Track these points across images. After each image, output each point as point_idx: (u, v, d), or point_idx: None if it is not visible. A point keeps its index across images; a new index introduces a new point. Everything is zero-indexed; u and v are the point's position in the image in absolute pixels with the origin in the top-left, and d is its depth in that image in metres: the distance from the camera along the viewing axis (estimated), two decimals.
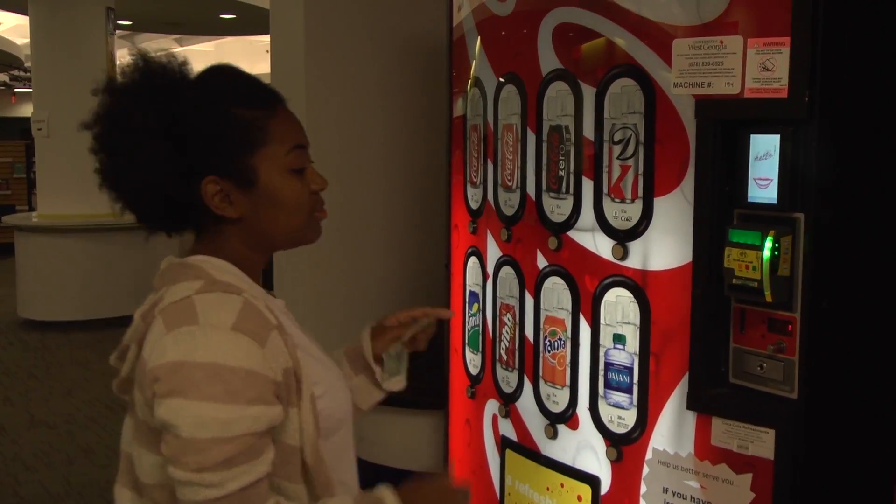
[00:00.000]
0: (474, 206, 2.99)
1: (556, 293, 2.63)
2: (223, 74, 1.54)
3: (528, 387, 2.79)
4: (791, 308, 2.12)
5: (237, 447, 1.36)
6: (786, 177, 2.10)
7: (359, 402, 1.87)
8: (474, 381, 3.06)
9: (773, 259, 2.08)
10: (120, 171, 1.49)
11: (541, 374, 2.71)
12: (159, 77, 1.50)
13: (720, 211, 2.20)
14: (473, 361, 3.06)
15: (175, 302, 1.43)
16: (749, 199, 2.15)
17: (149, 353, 1.42)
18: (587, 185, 2.50)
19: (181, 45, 17.32)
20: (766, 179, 2.13)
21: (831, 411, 2.19)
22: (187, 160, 1.49)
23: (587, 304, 2.52)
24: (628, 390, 2.44)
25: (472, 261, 3.03)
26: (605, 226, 2.46)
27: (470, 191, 3.02)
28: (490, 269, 2.93)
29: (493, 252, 2.90)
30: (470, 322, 3.09)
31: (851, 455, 2.23)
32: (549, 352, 2.67)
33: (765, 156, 2.12)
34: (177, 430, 1.36)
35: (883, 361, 2.26)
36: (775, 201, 2.11)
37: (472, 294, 3.06)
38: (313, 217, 1.56)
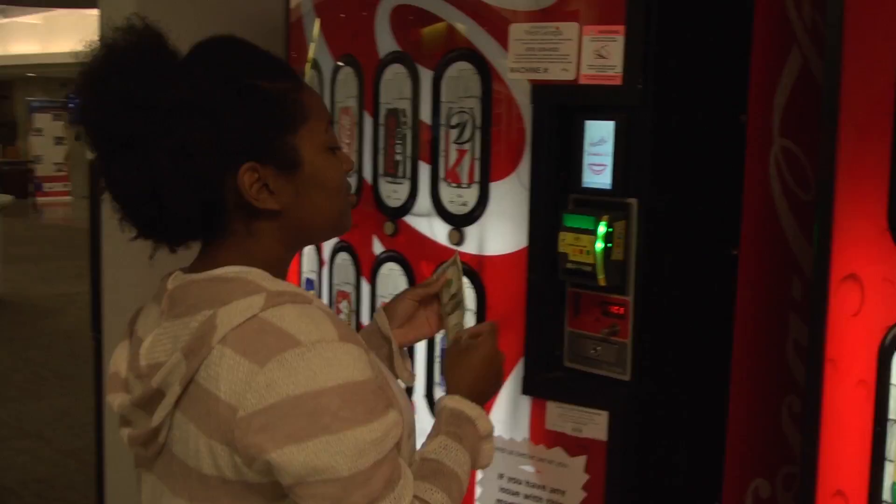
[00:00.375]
0: None
1: (393, 279, 2.60)
2: (230, 45, 1.35)
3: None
4: (624, 292, 2.14)
5: (390, 463, 1.26)
6: (620, 163, 2.11)
7: None
8: None
9: (607, 243, 2.10)
10: (140, 168, 1.27)
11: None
12: (156, 52, 1.30)
13: (555, 196, 2.21)
14: None
15: (241, 326, 1.24)
16: (584, 185, 2.17)
17: (236, 394, 1.22)
18: (424, 170, 2.48)
19: (5, 17, 16.17)
20: (601, 165, 2.15)
21: (663, 392, 2.22)
22: (219, 146, 1.29)
23: None
24: None
25: (308, 248, 2.96)
26: (441, 211, 2.44)
27: None
28: (326, 256, 2.87)
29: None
30: None
31: (683, 434, 2.27)
32: None
33: (599, 142, 2.14)
34: (334, 472, 1.21)
35: (712, 344, 2.32)
36: (609, 187, 2.13)
37: (308, 281, 2.99)
38: (349, 201, 1.45)
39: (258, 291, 1.28)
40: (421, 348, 2.55)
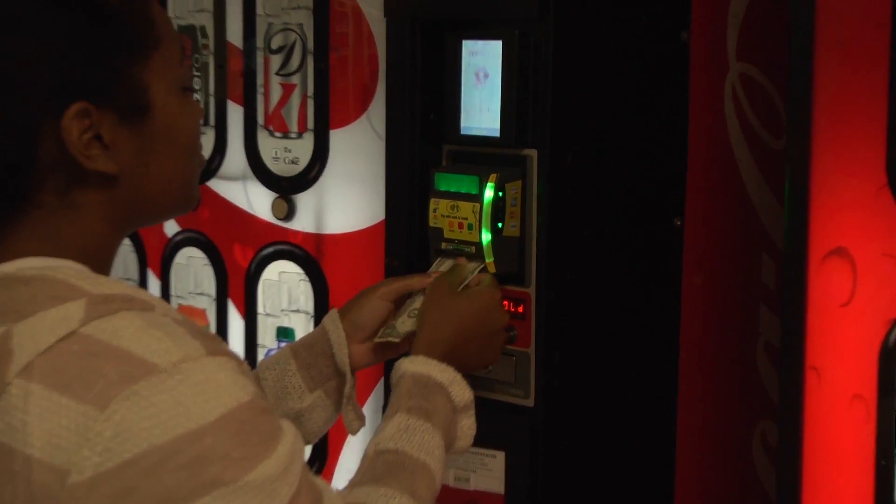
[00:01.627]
0: None
1: (194, 271, 2.57)
2: None
3: None
4: (523, 281, 2.11)
5: (306, 488, 1.29)
6: (511, 99, 2.07)
7: (308, 430, 1.81)
8: None
9: (497, 213, 2.06)
10: None
11: None
12: None
13: (423, 148, 2.19)
14: None
15: (53, 349, 1.19)
16: (463, 132, 2.13)
17: (63, 451, 1.16)
18: (234, 114, 2.46)
19: None
20: (486, 105, 2.12)
21: (581, 423, 2.20)
22: (34, 77, 1.27)
23: (238, 286, 2.48)
24: None
25: None
26: (261, 171, 2.42)
27: None
28: None
29: None
30: None
31: (609, 481, 2.28)
32: None
33: (482, 71, 2.11)
34: None
35: (649, 354, 2.33)
36: (497, 134, 2.09)
37: None
38: (201, 165, 1.47)
39: (74, 296, 1.24)
40: None
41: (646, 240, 2.29)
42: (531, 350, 2.12)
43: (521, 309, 2.12)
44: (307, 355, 1.81)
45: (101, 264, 1.36)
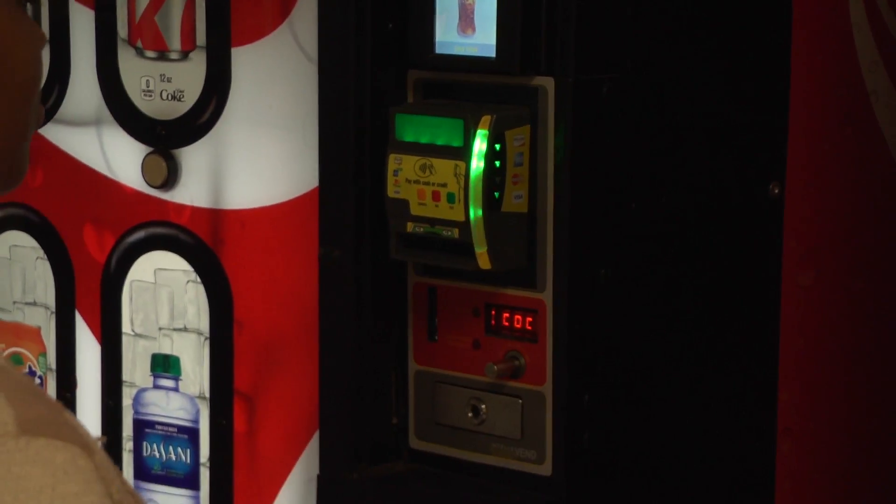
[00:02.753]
0: None
1: (21, 269, 2.56)
2: None
3: None
4: (533, 283, 2.13)
5: None
6: (514, 4, 2.06)
7: None
8: None
9: (492, 177, 2.06)
10: None
11: None
12: None
13: (378, 75, 2.19)
14: None
15: None
16: (438, 50, 2.14)
17: None
18: (82, 21, 2.44)
19: None
20: (475, 7, 2.11)
21: (623, 498, 2.22)
22: None
23: (92, 292, 2.47)
24: (189, 482, 2.42)
25: None
26: (124, 113, 2.41)
27: None
28: None
29: None
30: None
31: None
32: None
33: None
34: None
35: (733, 380, 2.34)
36: (493, 53, 2.09)
37: None
38: (37, 116, 1.43)
39: None
40: (92, 426, 2.50)
41: (727, 217, 2.32)
42: (547, 388, 2.13)
43: (529, 325, 2.14)
44: None
45: None
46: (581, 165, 2.09)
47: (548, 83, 2.07)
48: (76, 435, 1.25)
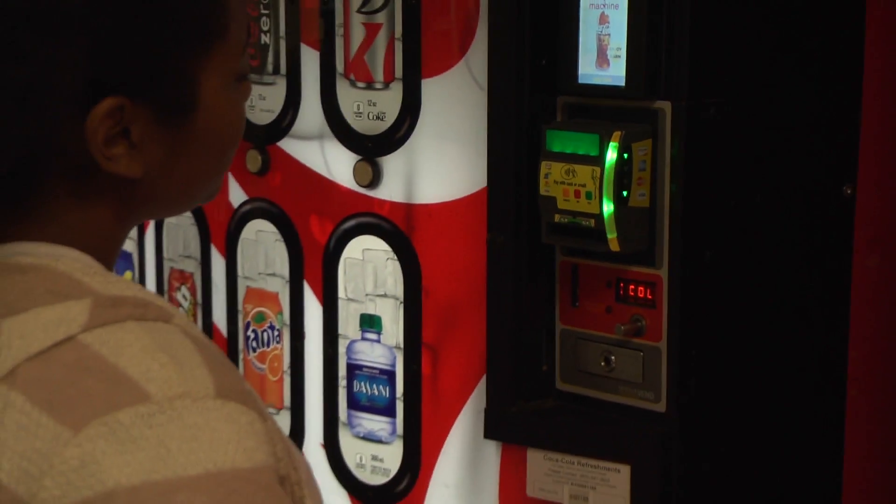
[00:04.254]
0: None
1: (264, 248, 2.56)
2: None
3: None
4: (653, 262, 2.10)
5: None
6: (640, 40, 2.05)
7: None
8: None
9: (621, 179, 2.05)
10: None
11: None
12: None
13: (533, 100, 2.17)
14: None
15: (46, 355, 1.17)
16: (581, 80, 2.12)
17: (28, 477, 1.14)
18: (310, 60, 2.44)
19: None
20: (609, 46, 2.09)
21: (724, 431, 2.17)
22: (66, 69, 1.23)
23: (315, 266, 2.47)
24: (388, 411, 2.41)
25: None
26: (340, 129, 2.40)
27: None
28: None
29: None
30: None
31: (751, 496, 2.25)
32: (253, 350, 2.61)
33: (605, 4, 2.08)
34: None
35: (809, 351, 2.29)
36: (623, 83, 2.07)
37: (123, 255, 2.93)
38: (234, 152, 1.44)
39: (78, 293, 1.21)
40: (315, 368, 2.52)
41: (807, 212, 2.27)
42: (662, 344, 2.11)
43: (650, 294, 2.12)
44: None
45: (108, 256, 1.34)
46: (690, 171, 2.05)
47: (666, 106, 2.04)
48: (255, 403, 1.24)
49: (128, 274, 2.92)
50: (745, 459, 2.22)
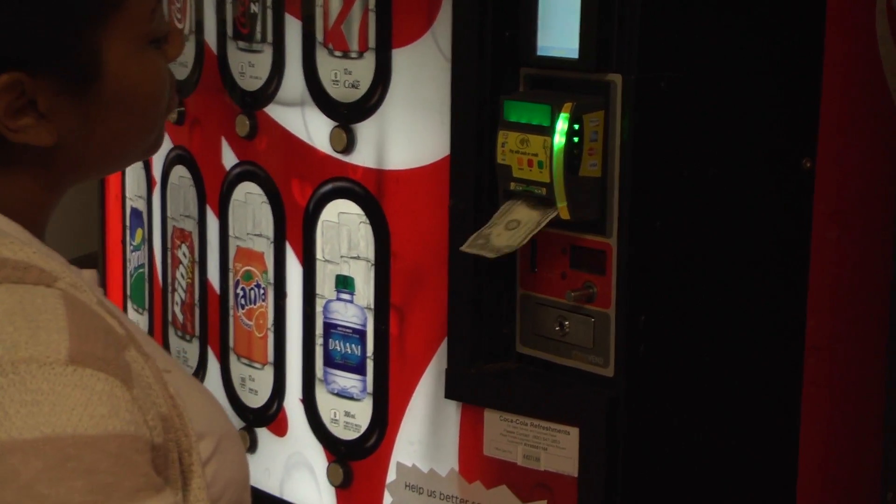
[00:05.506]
0: None
1: (252, 210, 2.57)
2: None
3: (213, 365, 2.73)
4: (603, 230, 2.10)
5: None
6: (592, 11, 2.04)
7: None
8: None
9: (571, 149, 2.04)
10: None
11: (231, 344, 2.67)
12: None
13: (496, 71, 2.17)
14: (140, 325, 2.89)
15: None
16: (539, 52, 2.11)
17: None
18: (293, 29, 2.44)
19: None
20: (565, 18, 2.07)
21: (672, 397, 2.18)
22: None
23: (297, 228, 2.48)
24: (359, 369, 2.42)
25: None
26: (319, 97, 2.40)
27: None
28: (157, 171, 2.85)
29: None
30: (133, 260, 3.02)
31: (701, 464, 2.25)
32: (242, 307, 2.62)
33: None
34: None
35: (762, 321, 2.28)
36: (576, 55, 2.06)
37: (135, 212, 2.98)
38: (170, 108, 1.42)
39: None
40: (296, 326, 2.53)
41: (763, 184, 2.25)
42: (611, 311, 2.10)
43: (601, 262, 2.11)
44: None
45: (33, 223, 1.34)
46: (640, 143, 2.04)
47: (617, 79, 2.02)
48: (125, 371, 1.20)
49: (139, 232, 2.96)
50: (696, 427, 2.21)
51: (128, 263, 3.03)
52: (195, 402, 1.35)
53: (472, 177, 2.18)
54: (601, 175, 2.07)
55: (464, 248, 2.08)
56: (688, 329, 2.17)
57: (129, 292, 3.04)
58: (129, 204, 2.99)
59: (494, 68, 2.15)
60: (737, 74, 2.17)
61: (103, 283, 3.14)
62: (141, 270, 2.97)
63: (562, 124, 2.02)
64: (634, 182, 2.05)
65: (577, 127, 2.03)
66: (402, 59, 2.26)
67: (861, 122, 2.30)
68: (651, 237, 2.09)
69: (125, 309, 3.04)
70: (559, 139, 2.03)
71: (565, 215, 2.06)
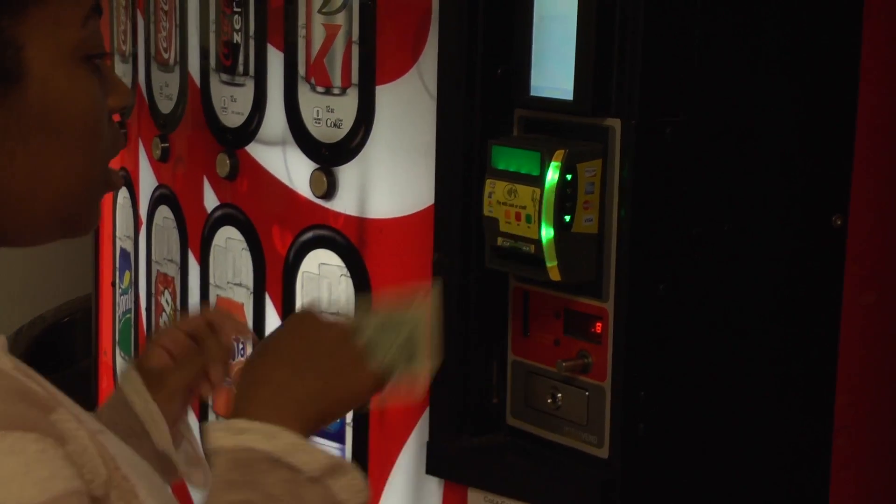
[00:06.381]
0: None
1: (233, 256, 2.50)
2: None
3: (193, 424, 2.58)
4: (599, 293, 1.98)
5: None
6: (588, 50, 1.92)
7: None
8: None
9: (563, 202, 1.92)
10: None
11: (210, 402, 2.58)
12: None
13: (487, 111, 2.06)
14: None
15: None
16: (533, 93, 2.01)
17: None
18: (275, 61, 2.36)
19: None
20: (560, 56, 1.98)
21: (676, 484, 2.04)
22: None
23: (277, 278, 2.40)
24: (338, 436, 2.33)
25: (123, 194, 2.93)
26: (301, 136, 2.32)
27: (118, 68, 2.90)
28: (144, 210, 2.81)
29: (147, 178, 2.80)
30: (122, 304, 2.99)
31: None
32: None
33: (556, 12, 1.98)
34: None
35: (790, 391, 2.14)
36: (570, 96, 1.95)
37: (124, 254, 2.95)
38: (106, 176, 1.32)
39: None
40: None
41: (787, 243, 2.13)
42: (607, 384, 2.00)
43: (597, 328, 2.01)
44: (108, 413, 1.63)
45: None
46: (642, 196, 1.92)
47: (616, 124, 1.91)
48: (53, 429, 1.16)
49: (127, 275, 2.90)
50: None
51: (117, 307, 3.00)
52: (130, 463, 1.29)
53: (459, 229, 2.08)
54: (598, 231, 1.96)
55: None
56: (695, 408, 2.05)
57: (117, 338, 3.02)
58: (118, 244, 2.98)
59: (484, 108, 2.06)
60: (756, 120, 2.05)
61: (96, 327, 3.13)
62: (128, 316, 2.95)
63: (552, 174, 1.91)
64: (634, 239, 1.93)
65: (570, 177, 1.92)
66: (387, 96, 2.18)
67: None
68: (653, 302, 1.96)
69: (114, 356, 3.03)
70: (549, 191, 1.91)
71: (556, 277, 1.94)
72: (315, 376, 1.42)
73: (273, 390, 1.41)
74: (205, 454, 1.45)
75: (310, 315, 1.47)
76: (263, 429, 1.37)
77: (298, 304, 2.34)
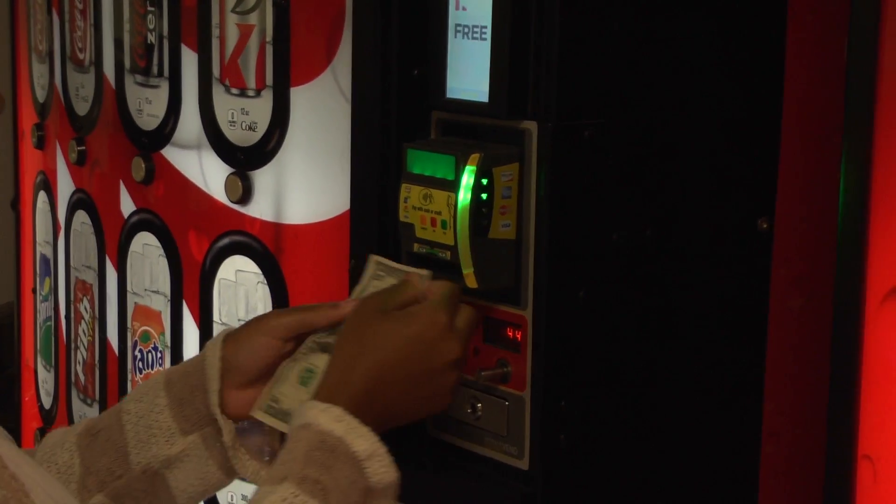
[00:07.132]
0: (41, 96, 2.90)
1: (149, 263, 2.47)
2: None
3: None
4: (518, 300, 1.94)
5: None
6: (503, 49, 1.87)
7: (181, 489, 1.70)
8: (47, 420, 2.95)
9: (479, 207, 1.89)
10: None
11: None
12: None
13: (403, 114, 2.03)
14: (46, 384, 2.95)
15: None
16: (449, 95, 1.97)
17: None
18: (189, 62, 2.34)
19: None
20: (475, 56, 1.93)
21: (594, 491, 2.01)
22: None
23: (193, 285, 2.38)
24: None
25: (42, 198, 2.92)
26: (215, 139, 2.30)
27: (36, 68, 2.90)
28: (62, 215, 2.79)
29: (64, 182, 2.78)
30: (42, 311, 2.98)
31: None
32: (140, 371, 2.54)
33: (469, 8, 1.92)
34: None
35: (713, 399, 2.12)
36: (486, 98, 1.92)
37: (44, 259, 2.93)
38: None
39: None
40: None
41: (714, 248, 2.10)
42: (526, 394, 1.96)
43: (517, 336, 1.97)
44: (181, 388, 1.68)
45: None
46: (560, 200, 1.88)
47: (532, 126, 1.87)
48: None
49: (47, 281, 2.87)
50: None
51: (38, 315, 2.99)
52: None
53: (375, 234, 2.05)
54: (515, 237, 1.92)
55: (252, 412, 1.76)
56: (618, 417, 2.01)
57: (38, 346, 3.01)
58: (38, 250, 2.97)
59: (401, 111, 2.02)
60: (678, 122, 2.02)
61: (19, 335, 3.11)
62: (49, 323, 2.94)
63: (467, 178, 1.87)
64: (553, 245, 1.89)
65: (485, 182, 1.88)
66: (302, 98, 2.16)
67: (825, 177, 2.14)
68: (573, 309, 1.93)
69: (35, 365, 3.02)
70: (464, 195, 1.88)
71: (472, 284, 1.90)
72: (410, 382, 1.61)
73: (362, 384, 1.56)
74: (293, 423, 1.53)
75: (419, 315, 1.63)
76: (354, 426, 1.50)
77: (216, 312, 2.31)
